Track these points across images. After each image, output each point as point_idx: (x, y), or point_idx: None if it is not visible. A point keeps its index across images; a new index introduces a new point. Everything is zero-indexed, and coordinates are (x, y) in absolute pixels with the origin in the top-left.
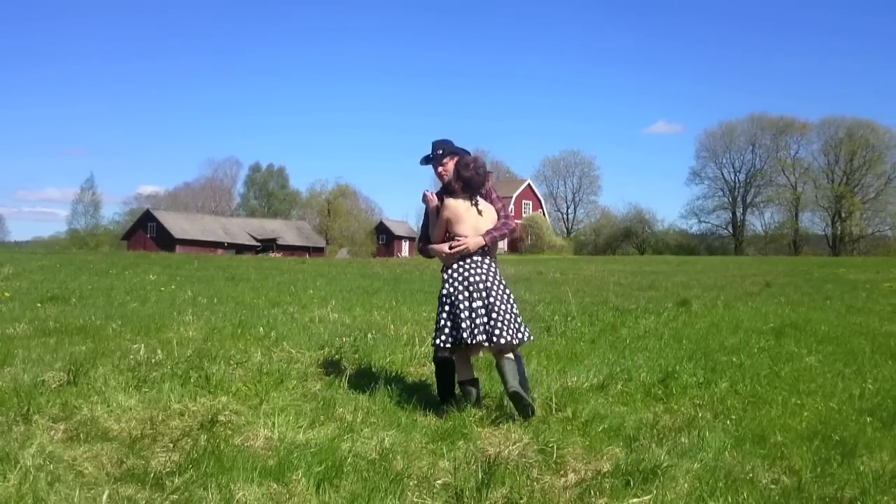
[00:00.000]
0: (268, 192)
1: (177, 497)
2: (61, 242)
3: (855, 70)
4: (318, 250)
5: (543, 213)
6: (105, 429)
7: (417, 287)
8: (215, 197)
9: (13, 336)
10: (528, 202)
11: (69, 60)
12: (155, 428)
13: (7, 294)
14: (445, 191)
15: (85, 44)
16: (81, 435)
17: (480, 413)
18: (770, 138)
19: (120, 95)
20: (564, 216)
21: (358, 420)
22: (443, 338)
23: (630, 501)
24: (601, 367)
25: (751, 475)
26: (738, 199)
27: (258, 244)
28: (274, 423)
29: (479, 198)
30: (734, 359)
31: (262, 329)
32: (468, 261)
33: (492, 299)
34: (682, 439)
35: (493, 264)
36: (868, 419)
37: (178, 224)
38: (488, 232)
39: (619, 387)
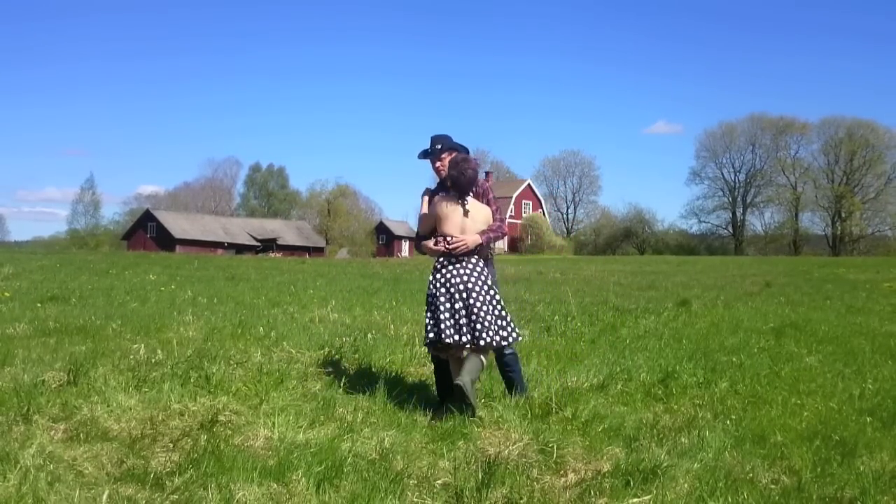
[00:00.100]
0: (268, 192)
1: (177, 497)
2: (61, 242)
3: (855, 70)
4: (318, 250)
5: (543, 213)
6: (105, 429)
7: (417, 287)
8: (215, 197)
9: (13, 336)
10: (528, 202)
11: (69, 60)
12: (155, 428)
13: (7, 294)
14: (442, 186)
15: (85, 44)
16: (81, 435)
17: (480, 413)
18: (770, 138)
19: (120, 95)
20: (564, 216)
21: (358, 420)
22: (430, 337)
23: (630, 501)
24: (601, 367)
25: (751, 475)
26: (738, 199)
27: (258, 244)
28: (274, 423)
29: (469, 198)
30: (734, 359)
31: (262, 329)
32: (453, 261)
33: (472, 300)
34: (682, 439)
35: (479, 264)
36: (868, 419)
37: (178, 224)
38: (484, 232)
39: (619, 387)
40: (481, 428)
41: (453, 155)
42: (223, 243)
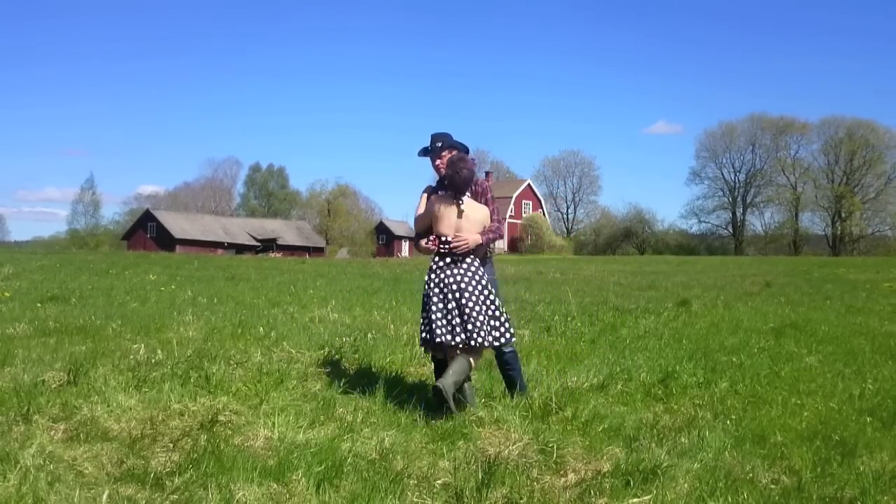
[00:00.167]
0: (268, 192)
1: (177, 497)
2: (61, 242)
3: (855, 70)
4: (318, 250)
5: (543, 213)
6: (105, 429)
7: (417, 287)
8: (215, 197)
9: (13, 336)
10: (528, 202)
11: (69, 60)
12: (155, 428)
13: (7, 294)
14: (442, 185)
15: (85, 44)
16: (81, 435)
17: (480, 413)
18: (770, 138)
19: (120, 95)
20: (564, 216)
21: (358, 420)
22: (423, 337)
23: (630, 501)
24: (601, 367)
25: (751, 475)
26: (738, 199)
27: (258, 244)
28: (274, 423)
29: (466, 198)
30: (734, 359)
31: (262, 329)
32: (448, 261)
33: (464, 300)
34: (682, 439)
35: (475, 265)
36: (868, 419)
37: (178, 224)
38: (484, 232)
39: (619, 387)
40: (481, 428)
41: (452, 153)
42: (223, 243)
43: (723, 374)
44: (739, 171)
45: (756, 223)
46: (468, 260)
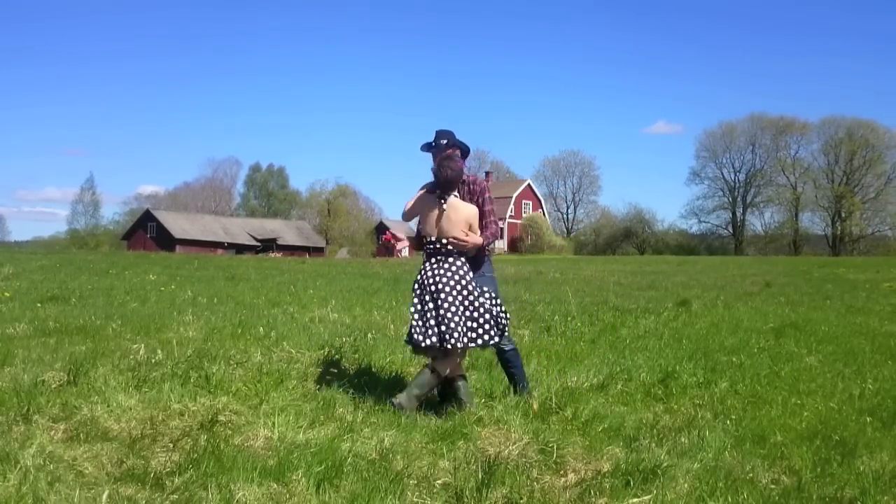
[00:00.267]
0: (268, 192)
1: (177, 497)
2: (61, 242)
3: (855, 70)
4: (318, 250)
5: (543, 213)
6: (105, 429)
7: None
8: (215, 197)
9: (13, 336)
10: (528, 202)
11: (69, 60)
12: (155, 428)
13: (7, 294)
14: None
15: (85, 44)
16: (81, 435)
17: (480, 413)
18: (770, 138)
19: (120, 95)
20: (564, 216)
21: (358, 420)
22: (405, 338)
23: (630, 501)
24: (601, 367)
25: (751, 475)
26: (738, 199)
27: (258, 244)
28: (274, 423)
29: (452, 197)
30: (734, 359)
31: (262, 329)
32: (432, 261)
33: (440, 300)
34: (682, 439)
35: (457, 263)
36: (868, 419)
37: (178, 224)
38: (483, 233)
39: (619, 387)
40: (481, 428)
41: (453, 152)
42: (223, 243)
43: (723, 374)
44: (739, 171)
45: (756, 223)
46: (451, 259)
